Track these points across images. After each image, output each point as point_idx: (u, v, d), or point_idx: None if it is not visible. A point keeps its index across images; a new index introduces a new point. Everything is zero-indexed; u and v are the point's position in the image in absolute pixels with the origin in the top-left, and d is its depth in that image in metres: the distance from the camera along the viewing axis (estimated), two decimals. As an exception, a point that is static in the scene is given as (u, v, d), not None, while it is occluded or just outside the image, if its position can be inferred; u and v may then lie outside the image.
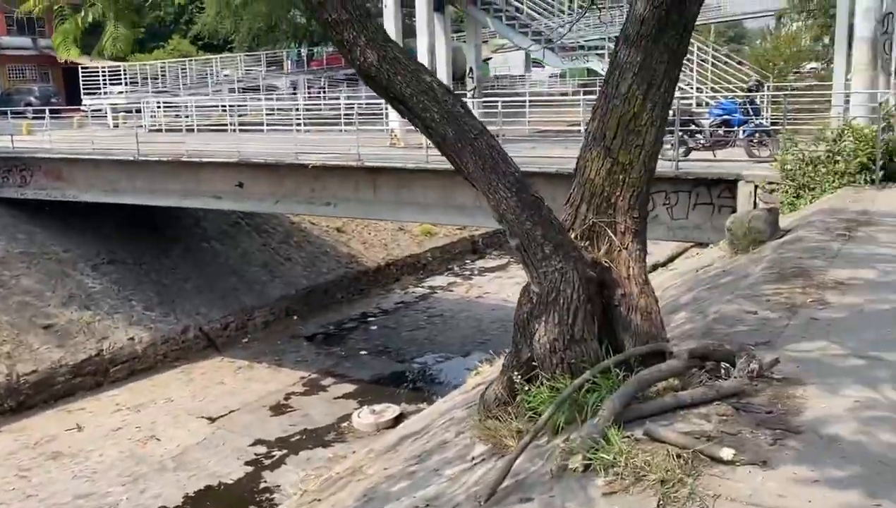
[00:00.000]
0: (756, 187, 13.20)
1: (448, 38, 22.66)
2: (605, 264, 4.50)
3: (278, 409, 20.54)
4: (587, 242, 4.58)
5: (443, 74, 22.25)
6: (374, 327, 27.05)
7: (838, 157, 12.32)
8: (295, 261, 29.89)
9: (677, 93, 20.44)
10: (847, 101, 16.05)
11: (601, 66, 20.84)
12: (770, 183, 13.07)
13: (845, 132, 12.63)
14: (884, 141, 12.03)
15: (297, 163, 18.22)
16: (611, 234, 4.55)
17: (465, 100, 18.26)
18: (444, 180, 17.60)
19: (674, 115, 15.26)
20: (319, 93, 39.85)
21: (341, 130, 24.38)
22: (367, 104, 24.83)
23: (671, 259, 17.29)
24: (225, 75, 40.48)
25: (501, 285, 30.59)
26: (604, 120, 4.61)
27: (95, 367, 22.09)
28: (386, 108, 23.35)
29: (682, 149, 15.60)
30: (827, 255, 7.52)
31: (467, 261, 35.49)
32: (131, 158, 20.96)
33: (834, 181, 12.11)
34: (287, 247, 30.22)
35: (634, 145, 4.56)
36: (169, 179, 21.15)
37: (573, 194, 4.71)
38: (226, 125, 27.65)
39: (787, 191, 12.62)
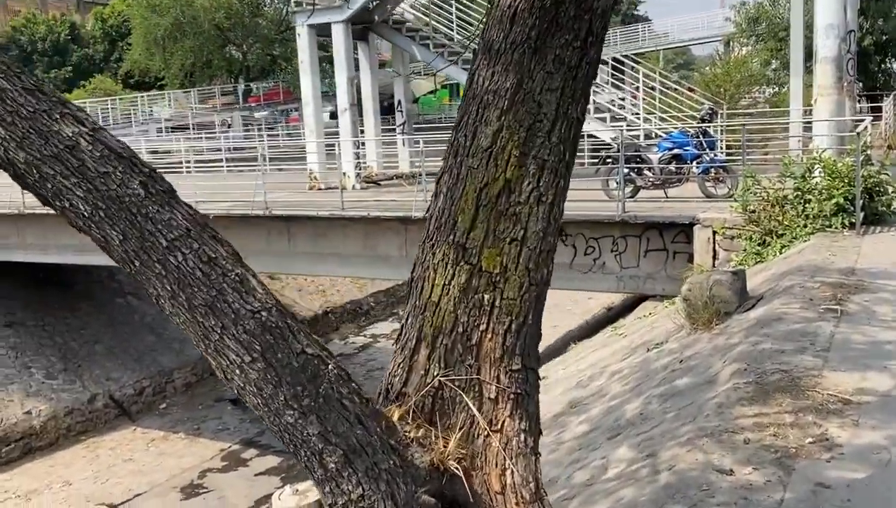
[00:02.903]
0: (714, 233, 11.31)
1: (375, 69, 20.65)
2: (457, 469, 2.45)
3: (191, 491, 18.13)
4: (427, 423, 2.51)
5: (369, 109, 20.23)
6: (308, 385, 24.66)
7: (809, 196, 10.48)
8: (222, 314, 27.43)
9: (617, 124, 18.72)
10: (808, 129, 14.38)
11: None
12: (731, 227, 11.19)
13: (815, 166, 10.82)
14: (862, 177, 10.18)
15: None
16: (471, 405, 2.49)
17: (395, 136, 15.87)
18: (366, 228, 15.59)
19: (618, 150, 13.41)
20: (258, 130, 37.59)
21: (266, 171, 22.34)
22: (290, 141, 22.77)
23: (622, 311, 15.35)
24: (150, 114, 38.08)
25: (448, 331, 28.50)
26: (453, 195, 2.56)
27: (-18, 448, 19.56)
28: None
29: (628, 189, 13.72)
30: (818, 346, 5.53)
31: (413, 305, 33.28)
32: (17, 211, 18.55)
33: (805, 226, 10.24)
34: (213, 299, 27.78)
35: (509, 239, 2.52)
36: (62, 233, 18.74)
37: (406, 328, 2.64)
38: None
39: (751, 238, 10.73)
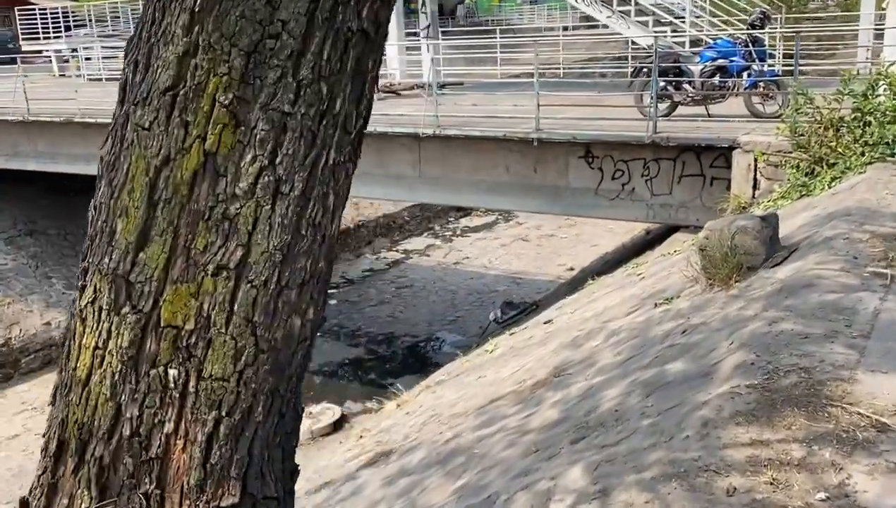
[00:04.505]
0: (756, 160, 9.84)
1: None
2: None
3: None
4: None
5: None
6: (334, 301, 24.02)
7: (870, 119, 8.91)
8: (249, 226, 26.81)
9: (662, 30, 16.94)
10: (880, 37, 12.54)
11: (575, -2, 17.13)
12: (775, 154, 9.70)
13: (879, 83, 9.20)
14: (936, 97, 8.57)
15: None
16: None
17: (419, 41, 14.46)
18: (379, 144, 14.36)
19: (652, 61, 11.82)
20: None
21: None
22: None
23: (661, 236, 13.95)
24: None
25: (483, 248, 27.65)
26: (113, 180, 1.38)
27: (3, 359, 19.49)
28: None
29: (665, 105, 12.17)
30: (855, 329, 4.25)
31: (450, 220, 32.31)
32: (21, 119, 17.78)
33: (863, 154, 8.71)
34: (241, 210, 27.12)
35: (214, 267, 1.33)
36: (73, 142, 17.98)
37: (51, 417, 1.50)
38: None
39: (797, 167, 9.24)
